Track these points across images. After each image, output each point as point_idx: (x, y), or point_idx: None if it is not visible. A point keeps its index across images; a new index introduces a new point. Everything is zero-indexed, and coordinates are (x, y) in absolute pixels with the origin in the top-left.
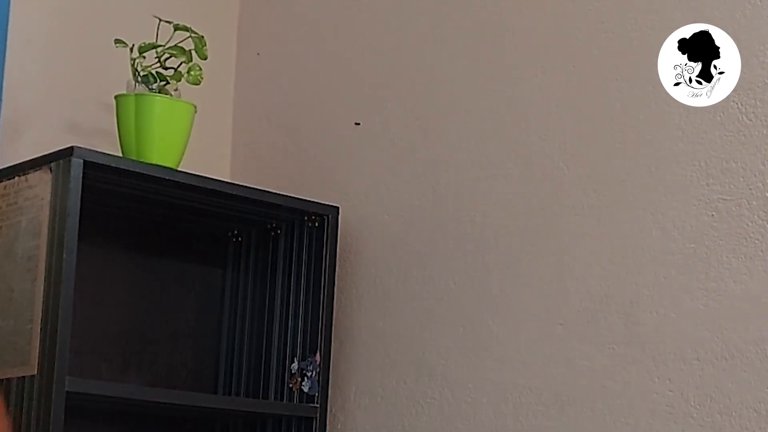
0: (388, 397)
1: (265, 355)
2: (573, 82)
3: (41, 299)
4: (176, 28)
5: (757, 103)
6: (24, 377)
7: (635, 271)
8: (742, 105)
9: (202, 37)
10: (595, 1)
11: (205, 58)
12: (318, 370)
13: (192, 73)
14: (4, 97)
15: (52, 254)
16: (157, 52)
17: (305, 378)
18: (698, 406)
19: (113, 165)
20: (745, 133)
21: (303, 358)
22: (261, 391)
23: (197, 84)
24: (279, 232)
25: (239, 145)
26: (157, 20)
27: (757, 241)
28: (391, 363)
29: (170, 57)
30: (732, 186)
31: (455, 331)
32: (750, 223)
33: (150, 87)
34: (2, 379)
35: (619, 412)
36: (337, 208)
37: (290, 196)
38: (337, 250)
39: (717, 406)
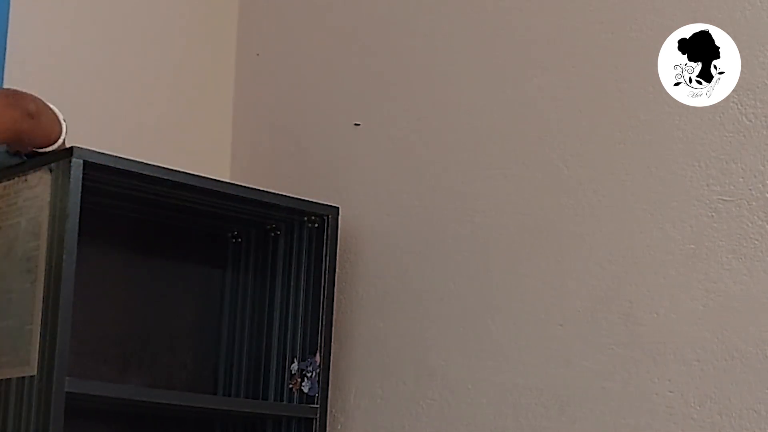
0: (388, 397)
1: (265, 356)
2: (573, 82)
3: (41, 299)
4: None
5: (757, 103)
6: (24, 377)
7: (635, 271)
8: (742, 105)
9: None
10: (595, 1)
11: None
12: (318, 370)
13: None
14: None
15: (51, 254)
16: None
17: (305, 379)
18: (698, 407)
19: (113, 165)
20: (745, 134)
21: (303, 359)
22: (261, 392)
23: None
24: (279, 232)
25: (239, 145)
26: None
27: (757, 242)
28: (391, 364)
29: None
30: (732, 186)
31: (455, 331)
32: (750, 224)
33: None
34: (2, 380)
35: (619, 412)
36: (337, 208)
37: (290, 197)
38: (337, 250)
39: (717, 406)
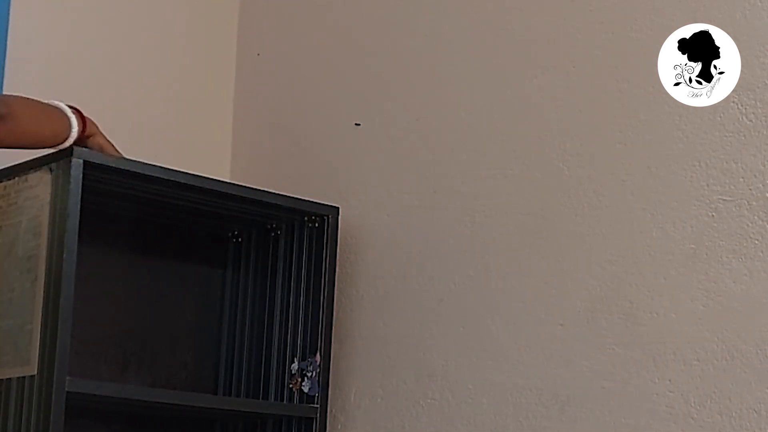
0: (389, 397)
1: (265, 356)
2: (573, 82)
3: (41, 299)
4: None
5: (757, 103)
6: (24, 377)
7: (635, 271)
8: (742, 105)
9: None
10: (595, 1)
11: None
12: (318, 370)
13: None
14: None
15: (52, 254)
16: None
17: (305, 378)
18: (698, 407)
19: (113, 165)
20: (745, 134)
21: (303, 359)
22: (261, 392)
23: None
24: (279, 232)
25: (239, 145)
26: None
27: (757, 242)
28: (391, 363)
29: None
30: (732, 186)
31: (455, 331)
32: (750, 224)
33: None
34: (2, 379)
35: (619, 412)
36: (337, 208)
37: (290, 197)
38: (337, 250)
39: (717, 406)
